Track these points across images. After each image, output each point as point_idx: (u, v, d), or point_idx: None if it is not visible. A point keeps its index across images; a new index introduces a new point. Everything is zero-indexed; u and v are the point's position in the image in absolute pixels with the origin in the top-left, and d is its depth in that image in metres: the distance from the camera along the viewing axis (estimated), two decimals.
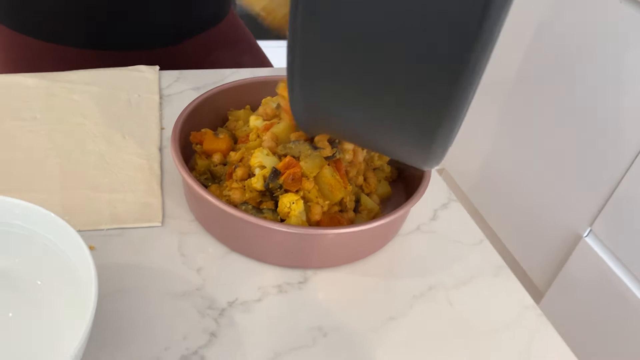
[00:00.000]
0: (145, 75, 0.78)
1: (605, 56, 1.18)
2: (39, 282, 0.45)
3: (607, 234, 1.20)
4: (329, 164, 0.55)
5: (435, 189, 0.66)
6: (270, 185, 0.53)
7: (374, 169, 0.63)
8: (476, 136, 1.63)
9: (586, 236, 1.26)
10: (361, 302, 0.52)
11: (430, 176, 0.57)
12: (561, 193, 1.32)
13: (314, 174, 0.54)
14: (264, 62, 0.99)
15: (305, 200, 0.53)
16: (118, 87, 0.74)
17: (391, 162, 0.64)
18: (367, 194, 0.60)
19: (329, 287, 0.53)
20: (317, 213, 0.53)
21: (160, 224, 0.56)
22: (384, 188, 0.62)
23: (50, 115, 0.68)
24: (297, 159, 0.54)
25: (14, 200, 0.44)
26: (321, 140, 0.54)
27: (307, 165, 0.53)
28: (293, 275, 0.54)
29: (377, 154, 0.62)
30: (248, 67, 0.86)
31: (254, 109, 0.68)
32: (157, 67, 0.79)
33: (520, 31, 1.41)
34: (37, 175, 0.60)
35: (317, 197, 0.53)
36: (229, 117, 0.68)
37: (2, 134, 0.64)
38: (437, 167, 0.64)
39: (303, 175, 0.53)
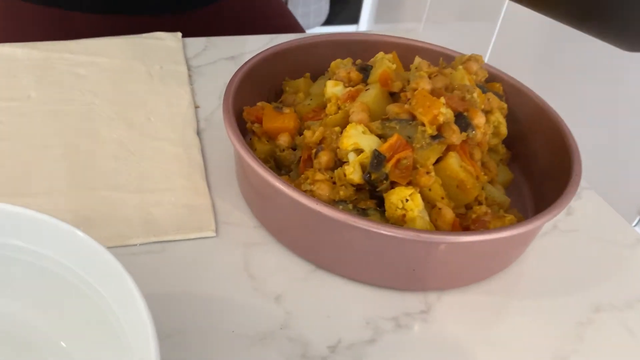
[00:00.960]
0: (166, 43, 0.61)
1: None
2: (63, 344, 0.28)
3: None
4: (452, 149, 0.39)
5: None
6: (373, 176, 0.37)
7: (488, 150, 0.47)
8: None
9: None
10: (511, 335, 0.37)
11: (579, 153, 0.42)
12: None
13: (432, 162, 0.38)
14: (297, 29, 0.83)
15: (426, 201, 0.38)
16: (134, 58, 0.58)
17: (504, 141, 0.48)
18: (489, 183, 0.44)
19: (461, 316, 0.38)
20: (448, 219, 0.37)
21: (214, 234, 0.40)
22: (505, 174, 0.47)
23: (49, 93, 0.51)
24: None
25: (7, 208, 0.28)
26: (439, 118, 0.38)
27: (423, 152, 0.38)
28: (411, 301, 0.38)
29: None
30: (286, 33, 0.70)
31: (314, 78, 0.52)
32: (180, 34, 0.63)
33: None
34: (34, 173, 0.43)
35: (442, 198, 0.38)
36: (285, 89, 0.51)
37: None
38: None
39: (417, 165, 0.38)
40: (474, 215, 0.39)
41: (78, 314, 0.28)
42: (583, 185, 0.50)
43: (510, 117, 0.47)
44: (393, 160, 0.37)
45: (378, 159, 0.37)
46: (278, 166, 0.44)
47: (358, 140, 0.38)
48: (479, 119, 0.39)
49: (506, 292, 0.40)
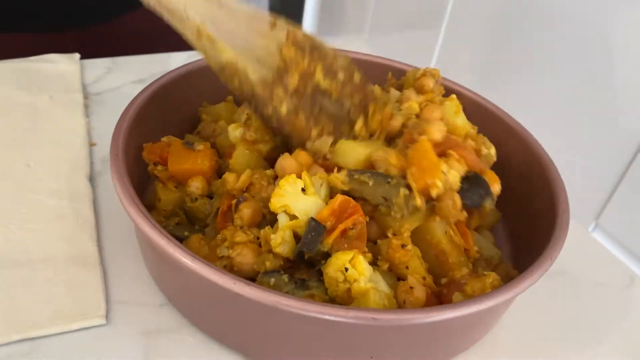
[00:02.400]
0: (59, 66, 0.50)
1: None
2: None
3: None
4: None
5: None
6: (307, 256, 0.28)
7: None
8: None
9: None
10: None
11: (565, 192, 0.34)
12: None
13: (410, 231, 0.29)
14: None
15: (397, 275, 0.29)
16: (17, 88, 0.47)
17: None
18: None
19: None
20: (420, 301, 0.28)
21: (104, 321, 0.30)
22: (493, 214, 0.37)
23: None
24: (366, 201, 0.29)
25: None
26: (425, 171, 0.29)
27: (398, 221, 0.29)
28: None
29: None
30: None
31: (239, 102, 0.42)
32: (77, 55, 0.52)
33: None
34: None
35: (423, 278, 0.29)
36: (202, 117, 0.42)
37: None
38: None
39: (388, 232, 0.29)
40: (444, 281, 0.30)
41: None
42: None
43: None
44: (337, 232, 0.28)
45: (315, 231, 0.27)
46: (190, 220, 0.34)
47: (291, 202, 0.28)
48: (498, 186, 0.31)
49: (501, 353, 0.31)
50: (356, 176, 0.29)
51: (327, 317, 0.24)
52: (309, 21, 2.06)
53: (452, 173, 0.29)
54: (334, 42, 0.35)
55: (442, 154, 0.30)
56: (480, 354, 0.31)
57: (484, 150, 0.32)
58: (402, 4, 1.59)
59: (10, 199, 0.36)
